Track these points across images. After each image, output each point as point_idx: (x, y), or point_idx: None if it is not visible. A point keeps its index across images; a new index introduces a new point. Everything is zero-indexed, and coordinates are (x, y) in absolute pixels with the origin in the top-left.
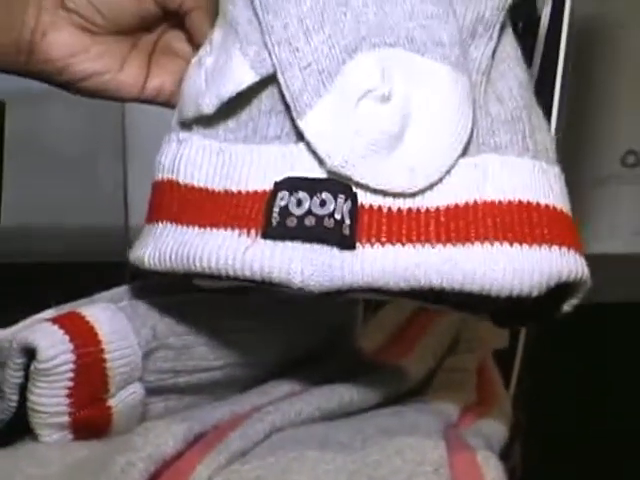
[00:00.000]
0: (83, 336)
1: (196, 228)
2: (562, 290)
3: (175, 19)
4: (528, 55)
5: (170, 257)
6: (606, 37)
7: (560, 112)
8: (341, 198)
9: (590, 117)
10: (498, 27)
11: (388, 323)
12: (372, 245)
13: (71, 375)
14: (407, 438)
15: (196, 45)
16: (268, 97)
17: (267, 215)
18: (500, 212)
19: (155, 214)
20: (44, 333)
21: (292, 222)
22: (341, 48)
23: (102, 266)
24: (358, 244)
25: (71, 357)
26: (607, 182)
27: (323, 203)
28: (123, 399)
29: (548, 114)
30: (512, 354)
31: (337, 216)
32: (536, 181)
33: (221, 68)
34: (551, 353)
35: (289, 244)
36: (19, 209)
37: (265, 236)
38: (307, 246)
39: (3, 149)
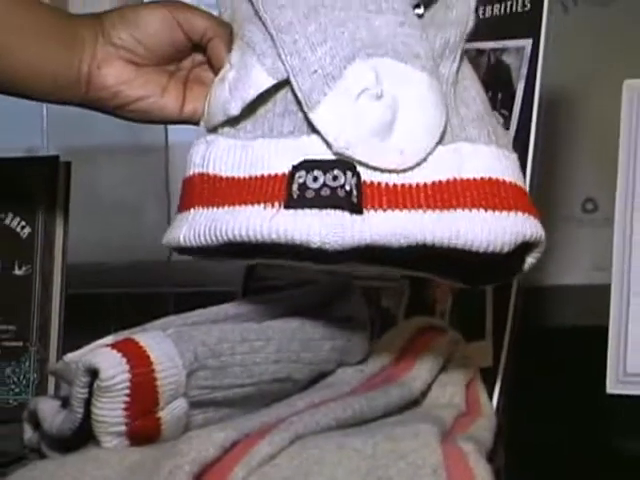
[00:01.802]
0: (137, 359)
1: (225, 207)
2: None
3: (200, 50)
4: (506, 121)
5: (203, 233)
6: (570, 105)
7: (533, 166)
8: (349, 174)
9: (556, 170)
10: (460, 51)
11: (392, 345)
12: (376, 211)
13: (127, 392)
14: (410, 444)
15: (215, 68)
16: (281, 101)
17: (288, 190)
18: (475, 186)
19: (187, 203)
20: (105, 356)
21: (310, 194)
22: (341, 57)
23: (147, 296)
24: (364, 210)
25: (127, 377)
26: (570, 225)
27: (335, 178)
28: (170, 411)
29: (523, 168)
30: (495, 371)
31: (347, 187)
32: (501, 164)
33: (242, 78)
34: (527, 370)
35: (308, 211)
36: (80, 249)
37: (287, 206)
38: (323, 212)
39: (69, 203)
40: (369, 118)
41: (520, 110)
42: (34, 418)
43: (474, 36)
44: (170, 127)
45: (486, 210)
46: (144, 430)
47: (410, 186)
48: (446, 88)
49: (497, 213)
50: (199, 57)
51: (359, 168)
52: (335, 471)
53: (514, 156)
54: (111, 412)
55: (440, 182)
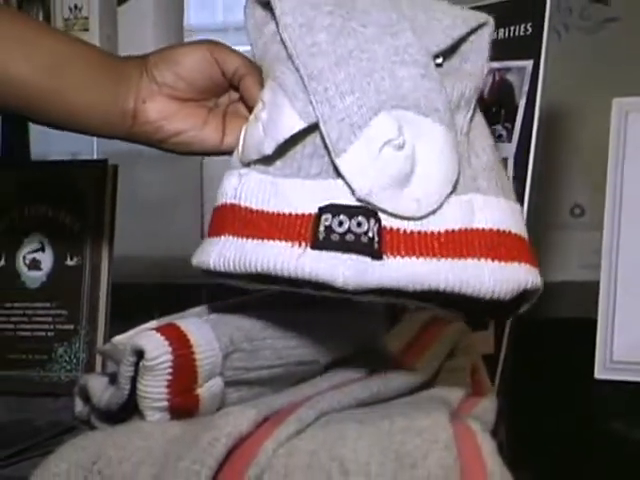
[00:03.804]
0: (179, 342)
1: (255, 240)
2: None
3: (234, 88)
4: (509, 134)
5: (233, 262)
6: (561, 121)
7: (533, 173)
8: (372, 221)
9: (548, 178)
10: (474, 102)
11: (404, 334)
12: (395, 257)
13: (170, 371)
14: (423, 422)
15: (248, 104)
16: (310, 144)
17: (314, 231)
18: (484, 237)
19: (218, 230)
20: (150, 339)
21: (335, 237)
22: (367, 108)
23: (185, 286)
24: (384, 256)
25: (170, 357)
26: (560, 228)
27: (359, 224)
28: (208, 389)
29: (524, 177)
30: (496, 358)
31: (370, 234)
32: (508, 215)
33: (275, 119)
34: (525, 357)
35: (332, 254)
36: (125, 243)
37: (313, 247)
38: (346, 256)
39: (116, 201)
40: (390, 168)
41: (522, 124)
42: (84, 393)
43: None
44: None
45: (493, 260)
46: (184, 406)
47: (425, 234)
48: (460, 137)
49: (502, 263)
50: (235, 95)
51: (379, 214)
52: (356, 444)
53: (518, 207)
54: (155, 389)
55: (453, 231)
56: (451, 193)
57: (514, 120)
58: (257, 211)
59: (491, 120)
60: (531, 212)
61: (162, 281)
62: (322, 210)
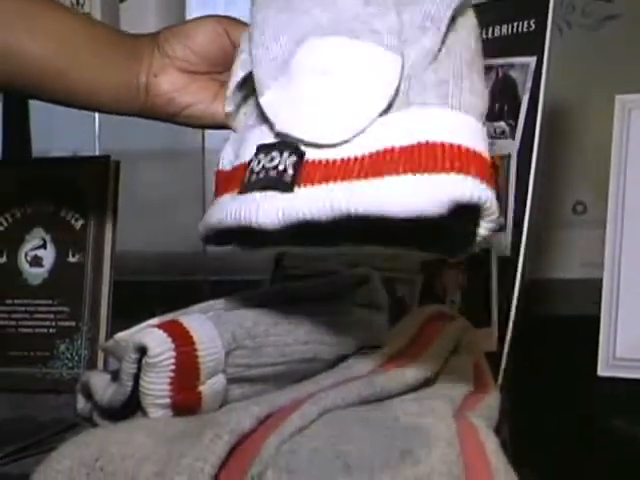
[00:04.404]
0: (182, 339)
1: (219, 198)
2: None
3: None
4: (512, 131)
5: (203, 224)
6: (563, 118)
7: (537, 170)
8: (285, 154)
9: (550, 175)
10: (446, 21)
11: (407, 331)
12: (306, 186)
13: (172, 367)
14: (427, 419)
15: None
16: None
17: (242, 177)
18: (410, 152)
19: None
20: (152, 336)
21: (254, 178)
22: (294, 41)
23: (186, 283)
24: (296, 187)
25: (173, 354)
26: (562, 225)
27: (272, 159)
28: (210, 386)
29: (527, 174)
30: (499, 355)
31: (280, 167)
32: (446, 125)
33: (231, 78)
34: (528, 355)
35: (249, 195)
36: (127, 240)
37: (240, 192)
38: (262, 194)
39: (117, 198)
40: (312, 95)
41: (525, 120)
42: (86, 390)
43: (484, 54)
44: (207, 133)
45: (414, 174)
46: (187, 402)
47: (348, 159)
48: (422, 58)
49: (426, 176)
50: None
51: (305, 147)
52: (360, 441)
53: (473, 120)
54: (157, 386)
55: (377, 152)
56: (384, 113)
57: (517, 117)
58: (226, 171)
59: (494, 117)
60: (534, 209)
61: (164, 278)
62: (254, 154)
